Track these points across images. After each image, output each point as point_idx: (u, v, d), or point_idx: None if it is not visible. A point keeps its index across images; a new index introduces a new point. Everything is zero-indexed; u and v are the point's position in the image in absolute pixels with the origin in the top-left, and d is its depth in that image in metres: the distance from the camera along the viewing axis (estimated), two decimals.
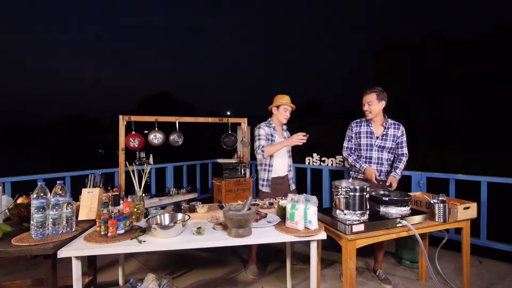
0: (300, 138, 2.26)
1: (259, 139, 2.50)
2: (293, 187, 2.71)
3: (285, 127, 2.76)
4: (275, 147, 2.43)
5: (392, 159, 2.40)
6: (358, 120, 2.50)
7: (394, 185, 2.23)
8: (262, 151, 2.44)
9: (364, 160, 2.39)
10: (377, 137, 2.36)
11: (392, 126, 2.37)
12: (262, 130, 2.54)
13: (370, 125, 2.39)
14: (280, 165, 2.58)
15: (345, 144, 2.54)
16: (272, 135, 2.55)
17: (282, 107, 2.56)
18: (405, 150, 2.39)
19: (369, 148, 2.36)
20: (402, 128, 2.38)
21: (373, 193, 2.00)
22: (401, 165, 2.35)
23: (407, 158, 2.39)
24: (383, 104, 2.34)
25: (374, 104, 2.32)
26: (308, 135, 2.28)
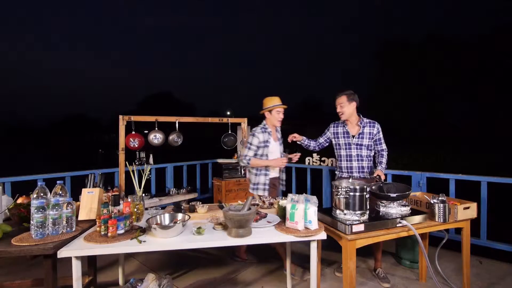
0: (284, 162, 2.48)
1: (249, 148, 2.52)
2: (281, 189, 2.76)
3: (278, 128, 2.75)
4: (261, 163, 2.51)
5: (372, 155, 2.53)
6: (337, 122, 2.64)
7: (382, 177, 2.33)
8: (248, 162, 2.50)
9: (344, 158, 2.53)
10: (353, 136, 2.48)
11: (368, 124, 2.49)
12: (256, 139, 2.51)
13: (346, 126, 2.54)
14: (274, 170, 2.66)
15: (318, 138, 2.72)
16: (267, 141, 2.54)
17: (275, 110, 2.55)
18: (384, 146, 2.53)
19: (347, 146, 2.51)
20: (377, 125, 2.50)
21: (377, 190, 2.02)
22: (384, 159, 2.49)
23: (387, 152, 2.53)
24: (354, 104, 2.47)
25: (345, 105, 2.46)
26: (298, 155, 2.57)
